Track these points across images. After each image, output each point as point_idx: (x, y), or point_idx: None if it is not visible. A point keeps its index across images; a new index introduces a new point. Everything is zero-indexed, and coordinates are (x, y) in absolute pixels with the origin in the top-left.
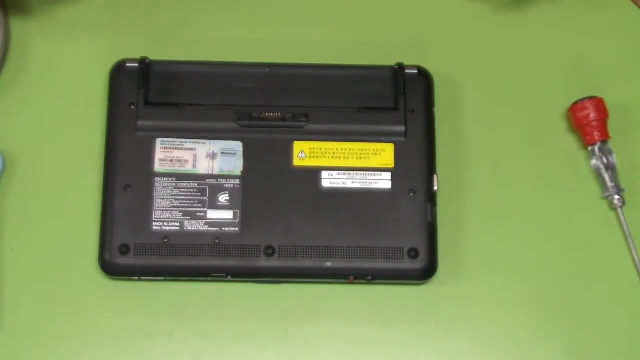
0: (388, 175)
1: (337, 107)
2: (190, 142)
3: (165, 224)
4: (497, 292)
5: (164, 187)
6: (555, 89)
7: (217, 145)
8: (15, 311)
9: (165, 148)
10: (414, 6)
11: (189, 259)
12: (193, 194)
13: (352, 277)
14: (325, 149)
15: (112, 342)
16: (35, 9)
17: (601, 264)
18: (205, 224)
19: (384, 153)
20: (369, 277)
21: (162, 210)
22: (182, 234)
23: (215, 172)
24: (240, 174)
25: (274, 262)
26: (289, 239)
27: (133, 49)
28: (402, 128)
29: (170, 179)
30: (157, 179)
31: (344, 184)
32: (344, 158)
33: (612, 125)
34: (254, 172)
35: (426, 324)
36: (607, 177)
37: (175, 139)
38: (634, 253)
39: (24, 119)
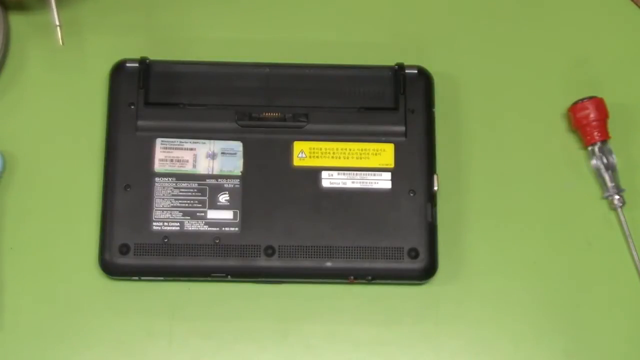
0: (388, 175)
1: (337, 107)
2: (190, 142)
3: (165, 224)
4: (497, 292)
5: (164, 187)
6: (555, 89)
7: (217, 145)
8: (15, 311)
9: (165, 148)
10: (414, 6)
11: (189, 259)
12: (193, 194)
13: (352, 277)
14: (325, 149)
15: (112, 342)
16: (35, 9)
17: (601, 264)
18: (205, 224)
19: (384, 153)
20: (369, 277)
21: (162, 210)
22: (182, 234)
23: (215, 172)
24: (240, 174)
25: (274, 262)
26: (289, 239)
27: (133, 49)
28: (402, 128)
29: (170, 179)
30: (157, 179)
31: (344, 184)
32: (344, 158)
33: (612, 125)
34: (254, 172)
35: (426, 324)
36: (607, 177)
37: (175, 139)
38: (634, 253)
39: (24, 119)
